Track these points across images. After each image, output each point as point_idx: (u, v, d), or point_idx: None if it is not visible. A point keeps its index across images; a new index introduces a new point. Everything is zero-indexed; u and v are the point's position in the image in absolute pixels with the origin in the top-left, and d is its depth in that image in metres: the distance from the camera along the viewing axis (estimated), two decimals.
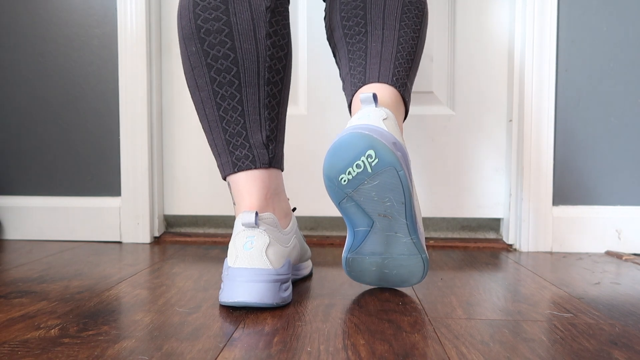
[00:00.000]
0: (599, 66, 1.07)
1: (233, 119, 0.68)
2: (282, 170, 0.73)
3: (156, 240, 1.15)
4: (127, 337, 0.54)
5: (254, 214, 0.64)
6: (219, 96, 0.68)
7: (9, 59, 1.16)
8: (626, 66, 1.06)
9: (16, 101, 1.17)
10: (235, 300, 0.62)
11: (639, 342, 0.54)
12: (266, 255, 0.63)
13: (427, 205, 1.14)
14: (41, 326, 0.57)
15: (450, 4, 1.13)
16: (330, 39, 0.80)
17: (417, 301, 0.68)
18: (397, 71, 0.72)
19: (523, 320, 0.61)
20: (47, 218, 1.16)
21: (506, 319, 0.61)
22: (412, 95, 1.14)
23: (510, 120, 1.11)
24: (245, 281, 0.62)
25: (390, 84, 0.70)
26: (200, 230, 1.21)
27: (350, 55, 0.75)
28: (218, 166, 0.71)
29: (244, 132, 0.68)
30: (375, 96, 0.64)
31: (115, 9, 1.13)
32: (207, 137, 0.71)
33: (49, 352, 0.50)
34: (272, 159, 0.69)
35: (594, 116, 1.07)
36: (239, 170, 0.68)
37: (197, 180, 1.18)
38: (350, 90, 0.73)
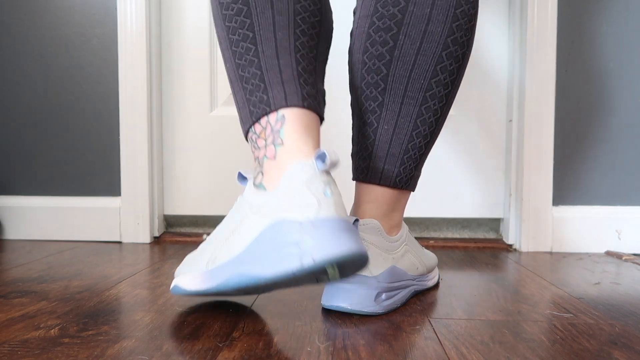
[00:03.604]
0: (598, 66, 1.07)
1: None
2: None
3: (156, 240, 1.15)
4: (127, 337, 0.54)
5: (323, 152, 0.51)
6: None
7: (9, 59, 1.16)
8: (626, 66, 1.06)
9: (16, 101, 1.17)
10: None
11: (639, 342, 0.54)
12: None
13: (427, 205, 1.14)
14: (41, 326, 0.57)
15: None
16: (351, 89, 0.68)
17: (417, 301, 0.68)
18: (403, 169, 0.65)
19: (523, 320, 0.61)
20: (47, 218, 1.16)
21: (506, 319, 0.61)
22: None
23: (510, 120, 1.11)
24: (339, 234, 0.48)
25: (391, 187, 0.65)
26: (200, 230, 1.21)
27: (359, 134, 0.67)
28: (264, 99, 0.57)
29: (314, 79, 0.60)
30: (356, 222, 0.60)
31: (115, 8, 1.13)
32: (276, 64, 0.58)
33: (49, 352, 0.50)
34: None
35: (594, 116, 1.07)
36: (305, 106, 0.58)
37: (197, 180, 1.18)
38: (354, 175, 0.68)
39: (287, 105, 0.55)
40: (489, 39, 1.13)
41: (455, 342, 0.53)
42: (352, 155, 0.69)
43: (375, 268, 0.62)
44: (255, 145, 0.57)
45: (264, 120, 0.56)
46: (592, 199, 1.08)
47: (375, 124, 0.65)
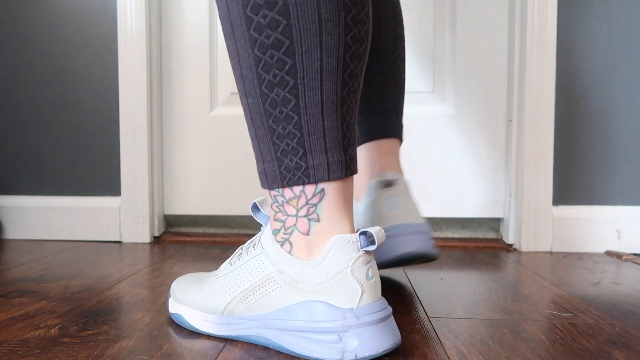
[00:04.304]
0: (599, 66, 1.07)
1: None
2: None
3: (156, 240, 1.15)
4: (127, 336, 0.54)
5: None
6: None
7: (8, 59, 1.16)
8: (626, 66, 1.06)
9: (16, 101, 1.17)
10: (385, 348, 0.48)
11: (638, 342, 0.54)
12: None
13: (428, 205, 1.14)
14: (41, 326, 0.57)
15: (451, 4, 1.13)
16: None
17: (417, 301, 0.68)
18: (395, 119, 0.76)
19: (523, 320, 0.61)
20: (47, 218, 1.16)
21: (506, 318, 0.61)
22: (412, 94, 1.15)
23: (510, 120, 1.11)
24: (382, 330, 0.48)
25: (393, 137, 0.75)
26: (200, 230, 1.21)
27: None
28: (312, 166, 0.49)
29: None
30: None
31: (115, 8, 1.13)
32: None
33: (49, 351, 0.50)
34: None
35: (594, 116, 1.07)
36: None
37: (197, 180, 1.18)
38: (360, 139, 0.77)
39: (329, 179, 0.48)
40: (489, 38, 1.13)
41: (455, 341, 0.53)
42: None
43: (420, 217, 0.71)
44: (281, 209, 0.50)
45: (297, 189, 0.49)
46: (592, 199, 1.08)
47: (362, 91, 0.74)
